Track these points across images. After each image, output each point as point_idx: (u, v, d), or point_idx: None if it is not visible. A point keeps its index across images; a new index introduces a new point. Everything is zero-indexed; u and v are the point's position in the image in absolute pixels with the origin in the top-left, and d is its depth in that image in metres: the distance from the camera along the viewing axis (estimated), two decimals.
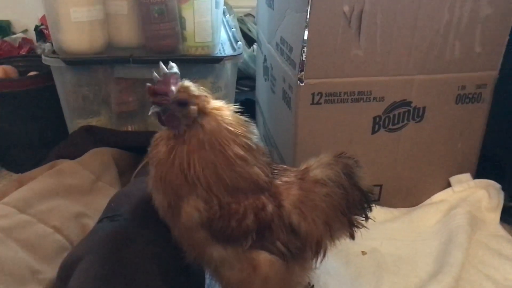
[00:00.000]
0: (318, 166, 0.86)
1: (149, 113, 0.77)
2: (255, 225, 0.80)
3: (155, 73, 0.77)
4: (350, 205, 0.85)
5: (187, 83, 0.79)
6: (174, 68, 0.78)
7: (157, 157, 0.80)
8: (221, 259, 0.82)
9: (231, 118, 0.80)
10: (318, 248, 0.85)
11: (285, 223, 0.82)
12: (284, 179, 0.86)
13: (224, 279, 0.84)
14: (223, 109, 0.81)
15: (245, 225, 0.79)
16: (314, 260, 0.88)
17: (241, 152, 0.79)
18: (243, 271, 0.82)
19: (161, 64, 0.78)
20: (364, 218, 0.88)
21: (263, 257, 0.82)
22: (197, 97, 0.78)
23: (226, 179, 0.78)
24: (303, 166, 0.89)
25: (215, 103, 0.81)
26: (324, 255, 0.87)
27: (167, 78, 0.77)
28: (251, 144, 0.81)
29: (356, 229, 0.88)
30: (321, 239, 0.84)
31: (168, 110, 0.77)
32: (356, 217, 0.87)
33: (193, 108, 0.77)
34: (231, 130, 0.79)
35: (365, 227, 0.88)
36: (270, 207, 0.81)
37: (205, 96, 0.79)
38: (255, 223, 0.80)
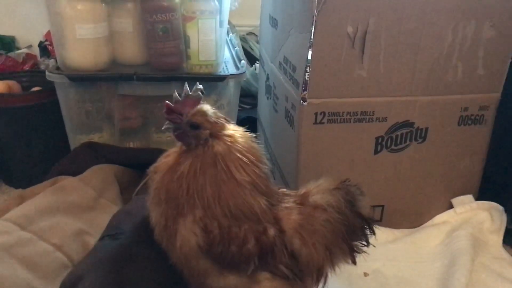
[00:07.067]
0: (318, 192, 0.84)
1: (163, 127, 0.78)
2: (257, 250, 0.77)
3: (176, 93, 0.78)
4: (350, 232, 0.83)
5: (206, 107, 0.78)
6: (198, 90, 0.79)
7: (165, 166, 0.80)
8: None
9: (243, 145, 0.79)
10: (319, 275, 0.83)
11: (286, 248, 0.80)
12: (284, 205, 0.84)
13: None
14: (237, 136, 0.79)
15: (246, 250, 0.76)
16: (315, 287, 0.85)
17: (247, 179, 0.77)
18: None
19: (186, 84, 0.79)
20: (365, 244, 0.86)
21: (265, 284, 0.79)
22: (212, 123, 0.77)
23: (228, 202, 0.76)
24: (302, 191, 0.87)
25: (230, 130, 0.80)
26: (325, 282, 0.85)
27: (186, 99, 0.78)
28: (259, 173, 0.79)
29: (357, 254, 0.86)
30: (322, 266, 0.82)
31: (180, 128, 0.78)
32: (356, 243, 0.85)
33: (204, 132, 0.77)
34: (241, 156, 0.77)
35: (365, 252, 0.86)
36: (272, 231, 0.78)
37: (222, 123, 0.79)
38: (257, 247, 0.77)
